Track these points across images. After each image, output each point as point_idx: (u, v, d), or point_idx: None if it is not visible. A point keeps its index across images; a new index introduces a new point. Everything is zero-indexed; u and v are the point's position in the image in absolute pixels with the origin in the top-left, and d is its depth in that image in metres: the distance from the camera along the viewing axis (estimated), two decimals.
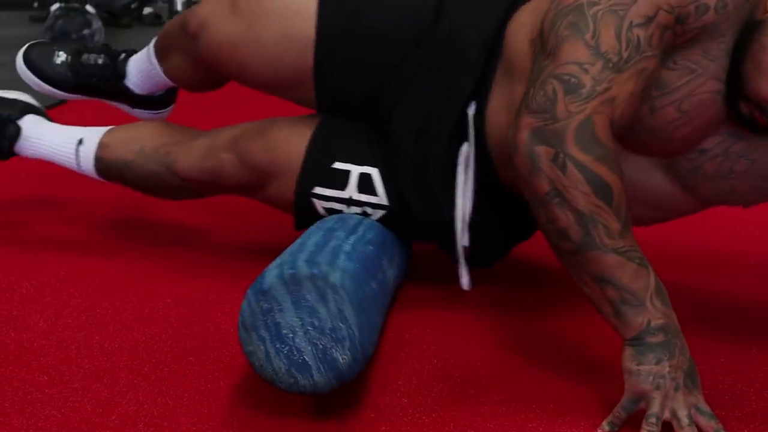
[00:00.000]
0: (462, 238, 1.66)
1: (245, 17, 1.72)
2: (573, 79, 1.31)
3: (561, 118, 1.29)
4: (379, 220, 1.71)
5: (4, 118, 2.02)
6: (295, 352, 1.29)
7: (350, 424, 1.32)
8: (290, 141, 1.76)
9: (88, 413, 1.31)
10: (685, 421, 1.23)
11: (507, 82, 1.60)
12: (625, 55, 1.30)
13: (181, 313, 1.69)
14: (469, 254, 1.69)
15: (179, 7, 6.28)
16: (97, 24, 4.65)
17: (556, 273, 1.89)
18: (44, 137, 2.02)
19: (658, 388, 1.25)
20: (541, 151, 1.30)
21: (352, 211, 1.71)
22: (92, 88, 2.08)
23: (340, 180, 1.71)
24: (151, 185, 1.94)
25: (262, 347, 1.30)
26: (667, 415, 1.25)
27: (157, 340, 1.57)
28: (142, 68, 2.02)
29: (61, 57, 2.07)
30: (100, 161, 1.96)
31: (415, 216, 1.71)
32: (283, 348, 1.29)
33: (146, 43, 2.01)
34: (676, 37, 1.35)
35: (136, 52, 2.09)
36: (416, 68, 1.67)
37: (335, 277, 1.32)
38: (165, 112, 2.14)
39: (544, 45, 1.39)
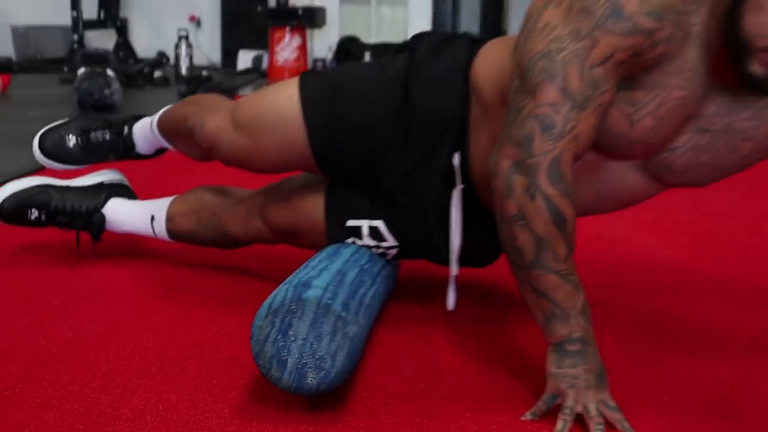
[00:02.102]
0: (453, 268, 1.71)
1: (248, 132, 1.78)
2: (547, 119, 1.34)
3: (536, 154, 1.33)
4: (396, 255, 1.78)
5: (91, 209, 2.08)
6: (285, 351, 1.34)
7: (326, 422, 1.37)
8: (309, 207, 1.82)
9: (104, 407, 1.36)
10: (593, 413, 1.30)
11: (484, 123, 1.62)
12: (587, 93, 1.34)
13: (183, 324, 1.74)
14: (463, 261, 1.72)
15: (183, 71, 6.38)
16: (116, 85, 4.73)
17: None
18: (125, 222, 2.10)
19: (572, 386, 1.32)
20: (518, 180, 1.34)
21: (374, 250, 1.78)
22: (105, 159, 2.14)
23: (356, 233, 1.76)
24: (217, 245, 2.03)
25: (267, 330, 1.35)
26: (579, 408, 1.31)
27: (162, 346, 1.62)
28: (149, 140, 2.11)
29: (72, 140, 2.12)
30: (171, 233, 2.05)
31: (418, 252, 1.79)
32: (279, 340, 1.35)
33: (156, 100, 2.08)
34: (634, 66, 1.36)
35: (133, 118, 2.14)
36: (400, 140, 1.69)
37: (352, 329, 1.39)
38: (164, 153, 2.19)
39: (522, 85, 1.39)
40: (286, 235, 1.88)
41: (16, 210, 2.07)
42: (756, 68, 1.32)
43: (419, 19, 7.53)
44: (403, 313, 1.83)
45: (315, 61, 7.11)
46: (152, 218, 2.06)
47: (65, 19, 6.71)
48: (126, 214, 2.10)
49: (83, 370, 1.52)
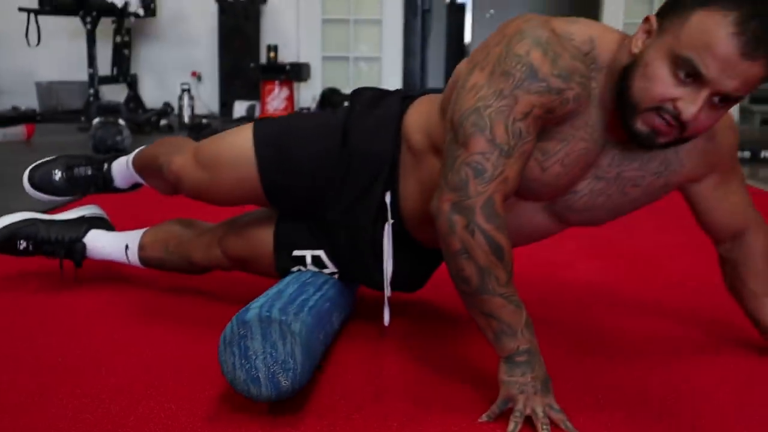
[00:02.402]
0: (387, 291, 1.70)
1: (207, 169, 1.78)
2: (479, 166, 1.35)
3: (472, 196, 1.34)
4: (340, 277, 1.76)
5: (73, 239, 2.08)
6: (253, 370, 1.36)
7: (292, 421, 1.38)
8: (260, 239, 1.82)
9: (113, 416, 1.37)
10: (540, 415, 1.31)
11: (412, 167, 1.63)
12: (512, 143, 1.35)
13: (178, 340, 1.74)
14: (395, 285, 1.72)
15: (186, 119, 6.40)
16: (126, 133, 4.73)
17: (453, 313, 1.89)
18: (102, 249, 2.09)
19: (522, 392, 1.34)
20: (458, 219, 1.35)
21: None
22: (86, 191, 2.15)
23: (301, 262, 1.76)
24: (182, 270, 2.03)
25: (231, 360, 1.37)
26: (528, 411, 1.32)
27: (162, 360, 1.62)
28: (125, 176, 2.11)
29: (57, 174, 2.11)
30: (142, 260, 2.04)
31: (356, 278, 1.79)
32: (245, 364, 1.36)
33: None
34: (547, 121, 1.39)
35: (113, 157, 2.15)
36: (339, 179, 1.69)
37: (296, 326, 1.39)
38: (139, 188, 2.18)
39: (455, 137, 1.39)
40: (240, 263, 1.88)
41: (6, 241, 2.07)
42: (640, 126, 1.36)
43: (391, 73, 7.54)
44: (352, 330, 1.83)
45: (301, 109, 7.13)
46: (126, 247, 2.06)
47: (83, 75, 6.71)
48: (104, 243, 2.10)
49: (94, 384, 1.52)
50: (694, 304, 2.09)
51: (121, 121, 4.92)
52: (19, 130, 5.43)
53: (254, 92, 7.15)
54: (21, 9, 6.36)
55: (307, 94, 7.37)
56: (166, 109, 6.67)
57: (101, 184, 2.15)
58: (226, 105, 7.30)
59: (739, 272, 1.70)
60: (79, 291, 2.11)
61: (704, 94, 1.29)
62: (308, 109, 6.99)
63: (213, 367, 1.47)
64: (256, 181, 1.73)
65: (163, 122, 6.06)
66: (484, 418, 1.38)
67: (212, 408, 1.44)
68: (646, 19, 1.36)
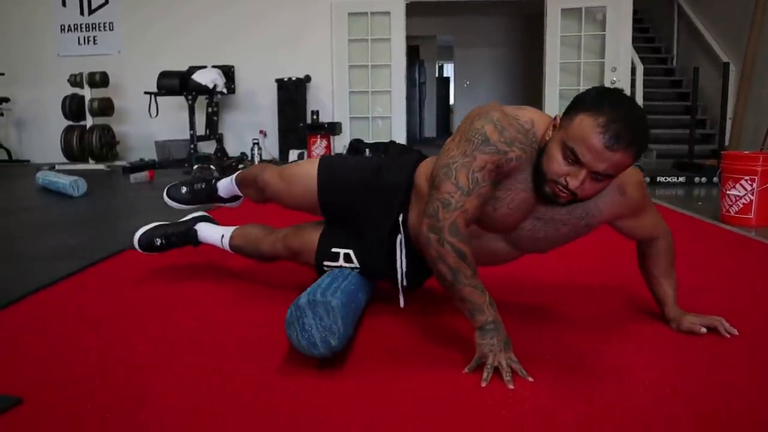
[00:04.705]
0: (402, 282, 1.70)
1: (285, 181, 1.84)
2: (446, 201, 1.37)
3: (441, 220, 1.37)
4: (359, 273, 1.75)
5: (190, 227, 2.15)
6: (309, 336, 1.37)
7: (337, 371, 1.38)
8: (310, 238, 1.82)
9: (226, 376, 1.34)
10: (504, 366, 1.33)
11: (416, 202, 1.63)
12: (471, 186, 1.37)
13: (258, 320, 1.71)
14: (405, 286, 1.72)
15: (256, 163, 6.30)
16: (216, 174, 4.66)
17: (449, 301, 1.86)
18: (208, 236, 2.13)
19: (491, 351, 1.35)
20: (432, 237, 1.38)
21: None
22: (203, 200, 2.19)
23: (334, 257, 1.76)
24: (254, 257, 2.05)
25: (294, 334, 1.38)
26: (496, 363, 1.33)
27: (246, 333, 1.59)
28: (228, 189, 2.14)
29: (183, 189, 2.17)
30: (231, 246, 2.08)
31: (376, 273, 1.76)
32: (304, 334, 1.37)
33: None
34: (498, 174, 1.40)
35: (219, 177, 2.18)
36: (369, 199, 1.69)
37: (334, 302, 1.40)
38: (239, 203, 2.21)
39: (433, 183, 1.42)
40: (294, 254, 1.89)
41: (148, 243, 2.12)
42: (547, 190, 1.38)
43: (398, 128, 7.57)
44: (375, 309, 1.81)
45: (336, 154, 7.15)
46: (222, 236, 2.10)
47: (186, 135, 6.78)
48: (209, 232, 2.14)
49: (202, 354, 1.49)
50: (622, 285, 2.08)
51: (212, 166, 4.98)
52: (144, 175, 5.50)
53: (303, 143, 7.18)
54: (146, 92, 6.64)
55: (340, 144, 7.41)
56: (242, 157, 6.73)
57: (211, 194, 2.18)
58: (283, 152, 7.35)
59: (647, 260, 1.70)
60: (191, 286, 2.11)
61: (584, 172, 1.32)
62: (340, 154, 7.02)
63: (282, 339, 1.47)
64: (314, 194, 1.76)
65: (240, 166, 6.08)
66: (466, 370, 1.39)
67: (280, 364, 1.44)
68: (555, 117, 1.38)
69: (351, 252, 1.74)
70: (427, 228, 1.39)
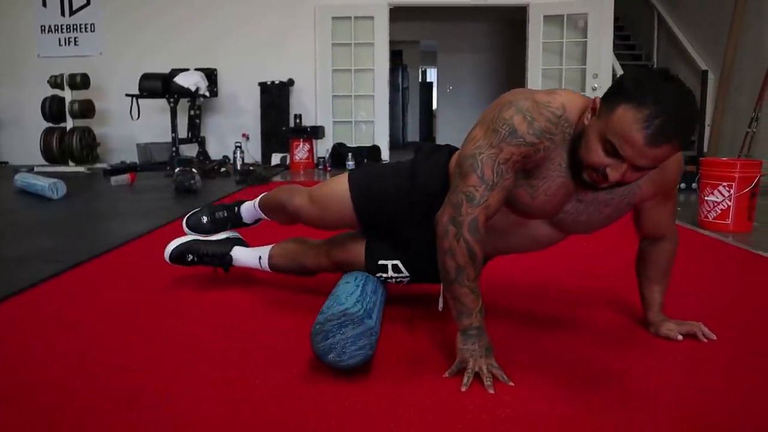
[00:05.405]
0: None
1: (317, 205, 1.80)
2: (471, 194, 1.35)
3: (463, 214, 1.34)
4: (408, 281, 1.74)
5: (225, 252, 2.06)
6: (341, 352, 1.35)
7: (361, 377, 1.36)
8: (356, 251, 1.78)
9: (249, 379, 1.33)
10: (484, 371, 1.33)
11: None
12: (496, 180, 1.34)
13: (283, 328, 1.69)
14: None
15: (238, 167, 6.30)
16: (197, 177, 4.73)
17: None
18: (244, 260, 2.05)
19: (472, 356, 1.35)
20: (451, 229, 1.35)
21: (394, 279, 1.74)
22: (227, 229, 2.14)
23: (383, 269, 1.73)
24: (298, 273, 1.99)
25: (318, 346, 1.35)
26: (476, 368, 1.33)
27: (277, 342, 1.58)
28: (252, 214, 2.11)
29: (204, 219, 2.10)
30: (271, 266, 2.01)
31: (426, 278, 1.72)
32: (329, 345, 1.35)
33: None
34: (526, 164, 1.37)
35: (239, 202, 2.13)
36: (410, 205, 1.64)
37: (378, 327, 1.43)
38: (259, 222, 2.16)
39: (459, 172, 1.39)
40: (341, 266, 1.84)
41: (180, 256, 2.06)
42: (585, 176, 1.35)
43: (381, 132, 7.59)
44: (400, 314, 1.80)
45: (319, 158, 7.14)
46: (260, 258, 2.04)
47: (168, 138, 6.75)
48: (244, 256, 2.07)
49: (221, 359, 1.48)
50: (618, 291, 2.08)
51: (194, 170, 4.93)
52: (126, 177, 5.45)
53: (286, 146, 7.17)
54: (127, 95, 6.58)
55: (323, 148, 7.41)
56: (224, 160, 6.66)
57: (235, 222, 2.14)
58: (265, 156, 7.33)
59: (645, 261, 1.67)
60: (222, 291, 2.09)
61: (624, 166, 1.27)
62: (323, 158, 6.99)
63: (298, 350, 1.49)
64: (351, 211, 1.72)
65: (222, 169, 6.03)
66: (446, 374, 1.37)
67: (311, 373, 1.42)
68: (595, 100, 1.31)
69: (398, 262, 1.71)
70: (448, 218, 1.36)
